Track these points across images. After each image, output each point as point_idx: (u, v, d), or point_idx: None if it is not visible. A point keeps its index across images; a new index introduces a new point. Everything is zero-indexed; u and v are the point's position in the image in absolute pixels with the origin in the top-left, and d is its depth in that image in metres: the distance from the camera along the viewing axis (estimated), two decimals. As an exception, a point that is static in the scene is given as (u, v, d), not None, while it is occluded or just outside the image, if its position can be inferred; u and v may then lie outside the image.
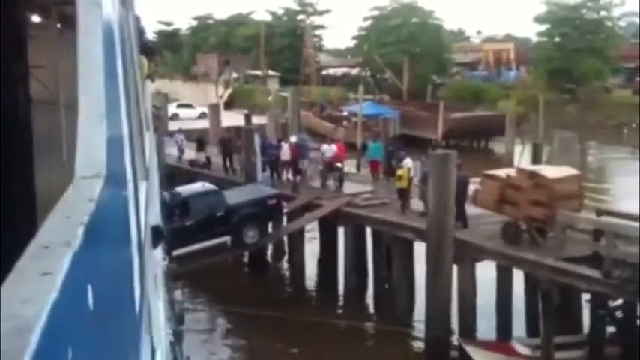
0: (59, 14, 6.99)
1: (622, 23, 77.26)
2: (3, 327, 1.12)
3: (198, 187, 22.05)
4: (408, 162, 21.13)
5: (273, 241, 23.95)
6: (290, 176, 24.94)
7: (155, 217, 7.25)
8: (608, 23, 70.16)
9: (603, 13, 69.54)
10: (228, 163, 27.71)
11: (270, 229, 22.87)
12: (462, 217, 18.38)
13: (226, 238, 21.11)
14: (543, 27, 71.56)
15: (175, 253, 14.99)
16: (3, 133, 2.98)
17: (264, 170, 25.51)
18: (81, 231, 1.55)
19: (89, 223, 1.63)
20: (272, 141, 28.10)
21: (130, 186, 3.23)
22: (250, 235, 21.13)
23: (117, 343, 2.10)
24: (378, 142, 25.89)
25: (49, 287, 1.27)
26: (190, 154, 30.92)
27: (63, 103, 7.28)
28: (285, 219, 23.54)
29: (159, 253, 6.87)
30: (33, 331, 1.13)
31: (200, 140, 30.65)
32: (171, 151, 31.54)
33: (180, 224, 19.30)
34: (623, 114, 61.86)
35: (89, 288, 1.52)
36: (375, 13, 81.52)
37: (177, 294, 15.09)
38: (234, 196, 21.70)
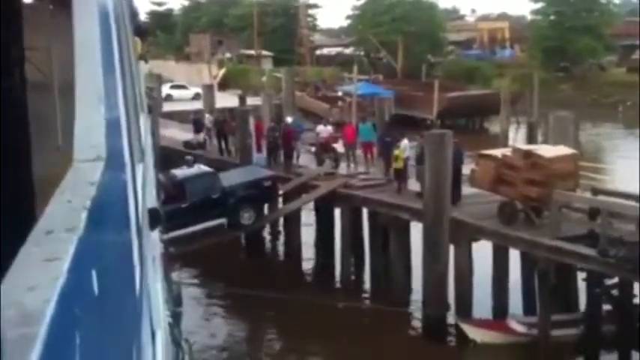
0: (52, -5, 6.89)
1: (617, 1, 77.14)
2: (10, 315, 1.10)
3: (193, 169, 21.99)
4: (405, 143, 21.08)
5: (270, 222, 23.94)
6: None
7: (152, 200, 7.23)
8: (603, 1, 69.98)
9: (598, -9, 69.34)
10: (223, 145, 27.62)
11: (266, 211, 22.87)
12: (455, 192, 18.37)
13: (222, 220, 21.10)
14: (538, 5, 71.36)
15: (171, 235, 14.97)
16: (1, 117, 2.94)
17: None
18: (84, 215, 1.53)
19: (91, 207, 1.61)
20: (267, 122, 27.98)
21: (128, 169, 3.20)
22: (246, 217, 21.14)
23: (118, 327, 2.08)
24: (368, 122, 25.69)
25: (56, 273, 1.25)
26: (186, 135, 30.83)
27: (57, 85, 7.21)
28: (281, 200, 23.54)
29: (156, 235, 6.86)
30: (41, 318, 1.11)
31: (197, 121, 30.50)
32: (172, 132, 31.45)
33: (175, 206, 19.26)
34: (618, 92, 61.90)
35: (93, 273, 1.51)
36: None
37: (175, 275, 15.12)
38: (229, 178, 21.67)
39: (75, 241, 1.39)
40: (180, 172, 21.46)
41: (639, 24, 64.91)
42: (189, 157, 23.58)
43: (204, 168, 22.09)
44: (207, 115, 31.49)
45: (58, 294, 1.19)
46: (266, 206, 23.16)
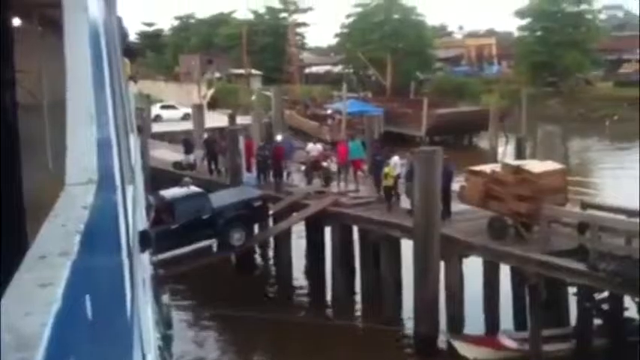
0: (41, 17, 6.92)
1: (602, 16, 77.94)
2: (6, 340, 1.11)
3: (183, 190, 21.89)
4: (395, 160, 21.13)
5: (260, 242, 23.83)
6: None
7: (142, 222, 7.22)
8: (589, 16, 70.66)
9: (584, 6, 70.00)
10: (213, 165, 27.56)
11: (256, 231, 22.79)
12: (445, 208, 18.42)
13: (212, 241, 21.01)
14: (525, 21, 71.98)
15: (161, 257, 14.89)
16: None
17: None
18: (77, 239, 1.55)
19: (84, 231, 1.63)
20: (257, 141, 27.96)
21: (119, 191, 3.21)
22: (236, 238, 21.03)
23: (111, 351, 2.09)
24: (357, 139, 25.73)
25: (50, 299, 1.26)
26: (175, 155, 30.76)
27: (47, 107, 7.21)
28: (271, 219, 23.47)
29: (146, 257, 6.83)
30: (37, 343, 1.12)
31: (187, 142, 30.44)
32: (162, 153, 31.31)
33: (165, 228, 19.17)
34: (605, 106, 62.31)
35: (87, 297, 1.52)
36: (358, 10, 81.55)
37: (165, 297, 15.02)
38: (219, 199, 21.57)
39: (69, 265, 1.41)
40: (170, 193, 21.34)
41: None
42: (186, 179, 23.52)
43: (193, 189, 22.00)
44: (205, 135, 31.46)
45: (53, 319, 1.20)
46: (256, 226, 23.06)
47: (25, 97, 5.47)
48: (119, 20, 7.36)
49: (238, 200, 21.64)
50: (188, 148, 29.69)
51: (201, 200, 20.93)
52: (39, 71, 7.17)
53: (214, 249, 21.44)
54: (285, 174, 24.80)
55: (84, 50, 2.41)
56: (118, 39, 6.20)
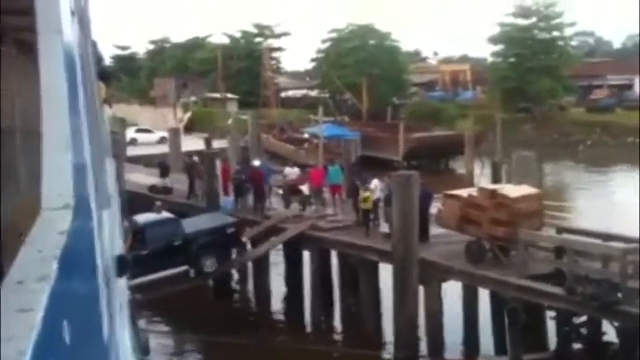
0: (15, 41, 6.83)
1: (574, 42, 79.43)
2: None
3: (154, 215, 21.66)
4: (375, 183, 21.19)
5: (233, 269, 23.56)
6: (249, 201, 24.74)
7: (118, 246, 7.11)
8: (561, 43, 71.92)
9: (555, 33, 71.28)
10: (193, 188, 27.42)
11: (234, 256, 22.64)
12: (423, 232, 18.47)
13: (184, 268, 20.78)
14: (498, 47, 73.04)
15: (133, 282, 14.67)
16: None
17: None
18: (54, 265, 1.54)
19: (61, 257, 1.62)
20: (234, 164, 27.88)
21: (95, 216, 3.16)
22: (208, 265, 20.86)
23: None
24: (336, 164, 25.82)
25: (29, 324, 1.25)
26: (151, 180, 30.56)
27: (20, 131, 7.09)
28: (249, 244, 23.35)
29: (123, 281, 6.72)
30: None
31: (162, 165, 30.28)
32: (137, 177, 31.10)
33: (135, 253, 18.93)
34: (577, 132, 63.30)
35: (65, 323, 1.51)
36: (333, 35, 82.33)
37: (142, 323, 14.82)
38: (192, 225, 21.41)
39: (47, 291, 1.40)
40: (141, 218, 21.12)
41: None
42: (158, 203, 23.29)
43: (165, 214, 21.81)
44: (186, 159, 31.35)
45: (32, 345, 1.19)
46: (234, 250, 22.92)
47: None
48: (94, 44, 7.30)
49: (211, 226, 21.49)
50: (164, 172, 29.54)
51: (173, 226, 20.76)
52: (12, 95, 7.07)
53: (191, 274, 21.21)
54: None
55: (59, 74, 2.40)
56: (92, 63, 6.14)
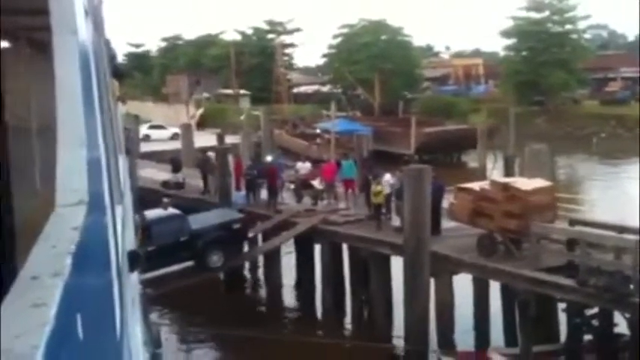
0: (29, 40, 6.93)
1: (587, 35, 78.74)
2: None
3: (160, 211, 21.72)
4: (387, 178, 21.20)
5: (241, 263, 23.50)
6: (264, 195, 24.80)
7: (131, 242, 7.19)
8: (574, 36, 71.37)
9: (568, 27, 70.75)
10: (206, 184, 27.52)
11: (244, 250, 22.68)
12: (435, 225, 18.47)
13: (190, 263, 20.83)
14: (510, 41, 72.60)
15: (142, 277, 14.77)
16: None
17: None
18: (68, 261, 1.54)
19: (75, 252, 1.63)
20: (246, 160, 27.95)
21: (109, 211, 3.22)
22: (214, 260, 20.89)
23: None
24: (350, 159, 25.84)
25: (43, 320, 1.25)
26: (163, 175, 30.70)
27: (35, 129, 7.20)
28: (260, 238, 23.41)
29: (135, 276, 6.81)
30: None
31: (174, 161, 30.41)
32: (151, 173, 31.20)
33: (142, 249, 19.00)
34: (591, 124, 62.84)
35: (78, 317, 1.52)
36: (345, 30, 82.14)
37: (153, 316, 14.94)
38: (198, 221, 21.46)
39: (60, 286, 1.41)
40: (148, 215, 21.19)
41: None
42: (165, 200, 23.34)
43: (172, 210, 21.87)
44: (210, 154, 31.30)
45: (45, 340, 1.19)
46: (246, 245, 23.00)
47: (13, 120, 5.47)
48: (107, 42, 7.38)
49: (217, 222, 21.53)
50: (176, 167, 29.65)
51: (179, 222, 20.80)
52: (27, 94, 7.17)
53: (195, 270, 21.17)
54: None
55: (74, 72, 2.42)
56: (106, 60, 6.21)
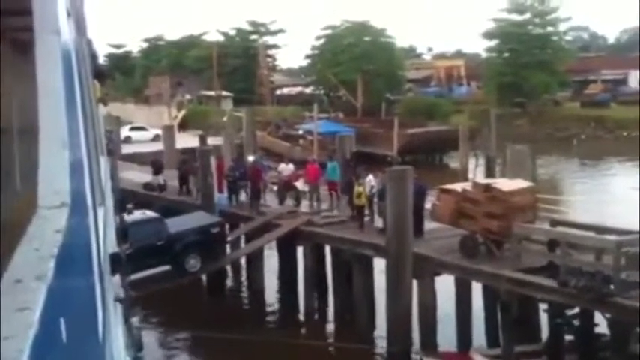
0: (11, 40, 6.88)
1: (568, 37, 79.34)
2: None
3: (138, 215, 21.54)
4: (370, 179, 21.24)
5: (221, 266, 23.24)
6: (243, 197, 24.73)
7: (112, 244, 7.16)
8: (555, 38, 71.86)
9: (550, 29, 71.24)
10: (184, 186, 27.37)
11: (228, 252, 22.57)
12: (418, 226, 18.53)
13: (167, 267, 20.67)
14: (492, 43, 72.98)
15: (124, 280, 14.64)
16: None
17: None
18: (52, 264, 1.55)
19: (58, 255, 1.63)
20: (229, 162, 27.86)
21: (91, 213, 3.20)
22: (192, 264, 20.76)
23: None
24: (335, 161, 25.83)
25: (28, 323, 1.26)
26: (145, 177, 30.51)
27: (16, 129, 7.14)
28: (243, 239, 23.33)
29: (117, 278, 6.78)
30: None
31: (156, 163, 30.21)
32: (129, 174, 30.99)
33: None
34: (572, 126, 63.35)
35: (62, 321, 1.52)
36: (328, 32, 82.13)
37: (135, 319, 14.82)
38: (176, 224, 21.35)
39: (44, 289, 1.41)
40: (128, 218, 21.00)
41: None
42: (129, 206, 22.99)
43: (149, 213, 21.70)
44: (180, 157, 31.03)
45: (30, 343, 1.20)
46: (229, 248, 22.90)
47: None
48: (89, 42, 7.34)
49: (195, 226, 21.41)
50: (157, 169, 29.45)
51: (157, 225, 20.66)
52: (8, 93, 7.12)
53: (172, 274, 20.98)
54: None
55: (56, 74, 2.41)
56: (88, 61, 6.17)
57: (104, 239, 4.57)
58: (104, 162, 8.86)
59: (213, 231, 21.41)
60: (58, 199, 2.06)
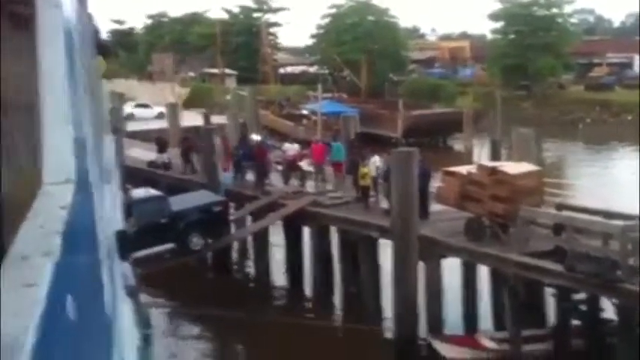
0: (10, 14, 6.74)
1: (574, 20, 79.00)
2: None
3: (141, 192, 21.54)
4: (375, 159, 21.17)
5: (225, 245, 23.26)
6: (250, 176, 24.69)
7: (118, 221, 7.07)
8: (560, 20, 71.61)
9: (555, 10, 70.96)
10: (188, 164, 27.37)
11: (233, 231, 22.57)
12: (423, 208, 18.47)
13: (170, 245, 20.69)
14: (498, 24, 72.76)
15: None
16: None
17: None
18: (57, 240, 1.53)
19: (64, 232, 1.61)
20: (233, 141, 27.79)
21: (96, 190, 3.14)
22: (195, 242, 20.79)
23: (90, 351, 2.07)
24: (339, 141, 25.76)
25: (34, 300, 1.24)
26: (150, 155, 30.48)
27: (13, 105, 7.03)
28: (249, 218, 23.33)
29: (126, 266, 6.71)
30: (22, 345, 1.11)
31: (160, 140, 30.15)
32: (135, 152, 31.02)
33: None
34: (577, 109, 63.24)
35: (69, 297, 1.50)
36: (333, 11, 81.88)
37: (142, 297, 14.81)
38: (179, 203, 21.33)
39: (51, 266, 1.39)
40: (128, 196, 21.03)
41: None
42: (127, 186, 22.98)
43: (152, 192, 21.71)
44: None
45: (37, 320, 1.19)
46: (234, 227, 22.90)
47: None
48: (90, 17, 7.18)
49: (198, 204, 21.42)
50: (161, 147, 29.41)
51: (160, 203, 20.66)
52: (7, 69, 7.01)
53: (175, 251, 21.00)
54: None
55: (58, 48, 2.38)
56: (90, 37, 6.06)
57: (110, 216, 4.52)
58: (109, 140, 8.77)
59: (215, 210, 21.41)
60: (63, 175, 2.04)
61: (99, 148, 4.53)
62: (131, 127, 42.92)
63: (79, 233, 2.06)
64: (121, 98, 46.48)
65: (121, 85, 60.15)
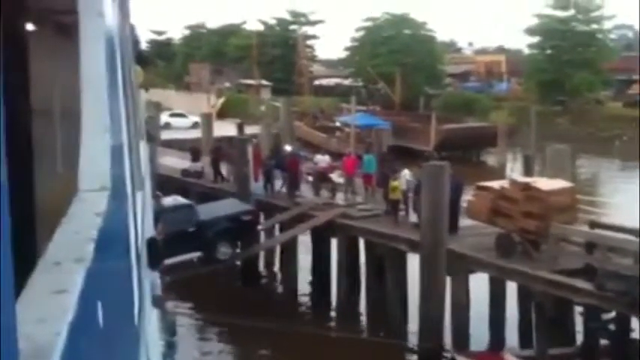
0: (55, 23, 6.94)
1: (613, 36, 77.79)
2: (21, 348, 1.06)
3: (169, 200, 21.64)
4: (405, 173, 21.13)
5: (247, 257, 23.26)
6: (279, 186, 24.76)
7: (150, 228, 7.21)
8: (600, 36, 70.54)
9: (594, 26, 69.93)
10: (218, 173, 27.57)
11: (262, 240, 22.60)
12: (453, 222, 18.35)
13: (197, 254, 20.70)
14: (535, 39, 71.91)
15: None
16: (5, 143, 2.97)
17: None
18: (91, 247, 1.55)
19: (97, 238, 1.62)
20: (266, 151, 27.96)
21: (130, 198, 3.20)
22: (222, 252, 20.79)
23: (118, 357, 2.08)
24: (372, 154, 25.75)
25: (64, 306, 1.24)
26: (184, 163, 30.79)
27: (58, 112, 7.22)
28: (277, 229, 23.36)
29: (155, 276, 6.81)
30: (51, 352, 1.10)
31: (193, 149, 30.47)
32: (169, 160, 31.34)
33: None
34: (614, 126, 62.10)
35: (99, 304, 1.51)
36: (368, 24, 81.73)
37: (169, 304, 14.98)
38: (208, 211, 21.36)
39: (82, 272, 1.40)
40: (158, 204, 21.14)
41: (639, 58, 65.40)
42: (158, 193, 23.13)
43: (180, 200, 21.79)
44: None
45: (67, 327, 1.18)
46: (263, 236, 22.97)
47: (37, 103, 5.48)
48: (132, 27, 7.37)
49: (227, 213, 21.42)
50: (195, 156, 29.71)
51: (187, 212, 20.71)
52: (53, 77, 7.19)
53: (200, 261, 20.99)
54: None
55: (99, 56, 2.39)
56: (131, 46, 6.18)
57: (142, 224, 4.59)
58: (144, 147, 8.93)
59: (244, 219, 21.45)
60: (99, 183, 2.06)
61: (135, 156, 4.64)
62: (167, 135, 43.35)
63: (112, 240, 2.06)
64: (157, 107, 47.00)
65: (158, 94, 60.68)
